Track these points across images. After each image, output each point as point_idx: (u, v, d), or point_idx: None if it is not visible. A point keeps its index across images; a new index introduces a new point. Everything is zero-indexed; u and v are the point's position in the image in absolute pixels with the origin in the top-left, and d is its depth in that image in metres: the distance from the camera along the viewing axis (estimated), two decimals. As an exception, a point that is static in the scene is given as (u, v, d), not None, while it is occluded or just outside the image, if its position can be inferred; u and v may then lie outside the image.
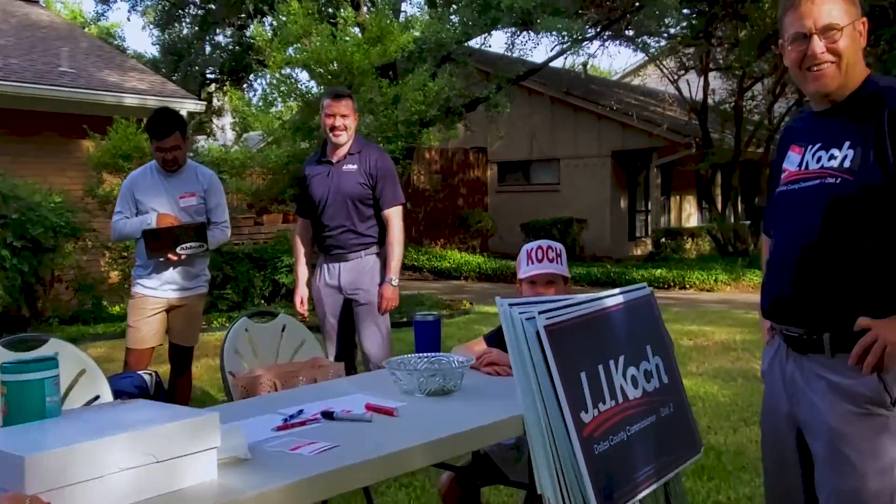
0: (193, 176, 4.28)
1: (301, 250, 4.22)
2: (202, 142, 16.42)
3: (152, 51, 17.98)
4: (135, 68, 11.84)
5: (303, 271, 4.21)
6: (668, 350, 2.39)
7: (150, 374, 3.87)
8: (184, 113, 11.16)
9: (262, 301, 10.00)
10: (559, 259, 2.70)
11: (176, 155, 4.15)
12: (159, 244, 4.01)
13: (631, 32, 14.73)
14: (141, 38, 74.93)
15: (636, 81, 24.84)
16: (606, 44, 16.53)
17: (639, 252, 18.82)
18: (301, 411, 2.08)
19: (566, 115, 18.65)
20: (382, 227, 4.07)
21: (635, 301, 2.36)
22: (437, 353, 2.49)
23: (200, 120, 14.24)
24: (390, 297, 3.98)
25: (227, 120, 20.50)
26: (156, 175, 4.25)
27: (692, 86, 16.44)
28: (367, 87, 9.66)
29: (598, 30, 14.87)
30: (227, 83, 14.36)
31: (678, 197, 20.57)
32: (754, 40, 13.55)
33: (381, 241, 4.08)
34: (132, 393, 3.78)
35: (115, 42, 18.63)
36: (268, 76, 11.07)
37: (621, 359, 2.18)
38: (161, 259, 4.08)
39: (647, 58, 18.81)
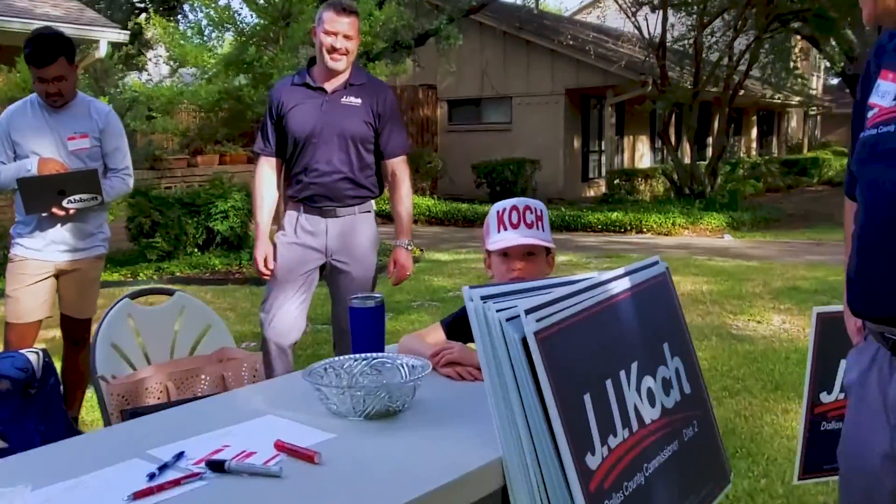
0: (86, 113, 3.51)
1: (266, 196, 3.33)
2: (131, 77, 15.28)
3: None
4: (48, -7, 10.68)
5: (266, 221, 3.35)
6: (688, 347, 1.80)
7: (37, 354, 3.13)
8: (104, 44, 10.16)
9: (196, 250, 9.22)
10: (540, 223, 2.05)
11: (61, 87, 3.37)
12: (40, 196, 3.26)
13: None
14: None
15: (593, 19, 24.07)
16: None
17: (592, 193, 18.36)
18: (181, 455, 1.43)
19: (519, 50, 17.87)
20: (379, 179, 3.35)
21: (648, 283, 1.75)
22: (380, 355, 1.85)
23: (127, 53, 13.16)
24: (405, 264, 3.31)
25: (162, 54, 19.20)
26: (38, 111, 3.47)
27: (650, 22, 15.78)
28: (306, 16, 8.80)
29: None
30: (154, 12, 13.17)
31: (631, 137, 20.09)
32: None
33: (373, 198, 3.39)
34: (15, 378, 3.10)
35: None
36: (202, 6, 10.09)
37: (634, 367, 1.57)
38: (44, 214, 3.34)
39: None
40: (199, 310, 2.46)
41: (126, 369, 2.20)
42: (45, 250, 3.44)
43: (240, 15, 10.34)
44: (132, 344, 2.27)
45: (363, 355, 1.84)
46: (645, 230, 12.68)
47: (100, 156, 3.53)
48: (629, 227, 12.79)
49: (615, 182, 16.96)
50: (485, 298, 1.46)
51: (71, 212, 3.33)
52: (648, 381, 1.60)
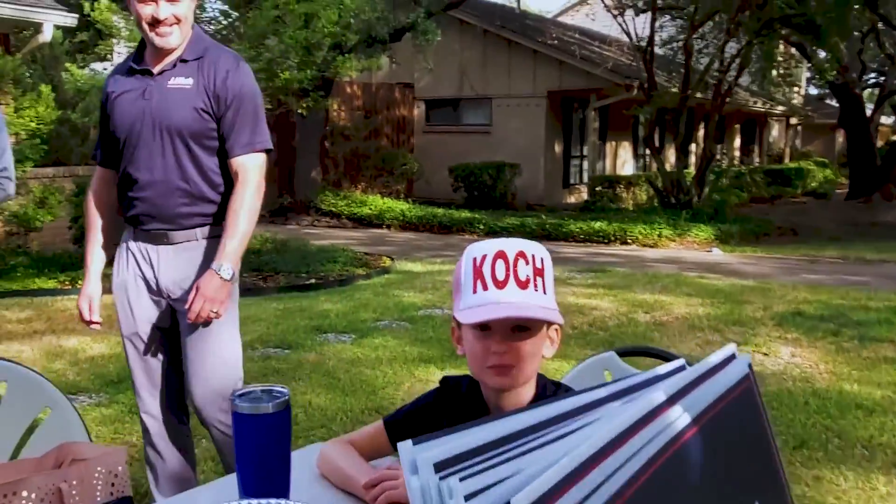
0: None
1: (95, 219, 2.50)
2: (91, 67, 14.39)
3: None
4: (-10, -30, 9.82)
5: (96, 255, 2.49)
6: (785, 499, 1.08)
7: None
8: (48, 27, 9.33)
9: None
10: (540, 280, 1.30)
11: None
12: None
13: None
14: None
15: (579, 20, 23.49)
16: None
17: (573, 200, 17.73)
18: None
19: (500, 50, 17.19)
20: (233, 187, 2.37)
21: (727, 399, 1.03)
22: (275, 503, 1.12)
23: (81, 40, 12.30)
24: (211, 297, 2.22)
25: (130, 44, 18.22)
26: None
27: (637, 25, 15.17)
28: (270, 2, 8.04)
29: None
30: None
31: (614, 143, 19.51)
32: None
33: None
34: None
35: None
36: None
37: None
38: None
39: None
40: (31, 385, 1.71)
41: None
42: None
43: (204, 3, 9.57)
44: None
45: (244, 503, 1.11)
46: (630, 241, 12.04)
47: (-29, 153, 2.78)
48: (613, 238, 12.14)
49: (597, 189, 16.35)
50: (442, 468, 0.73)
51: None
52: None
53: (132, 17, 2.30)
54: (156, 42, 2.31)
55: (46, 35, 9.27)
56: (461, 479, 0.72)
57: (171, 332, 2.42)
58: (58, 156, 9.35)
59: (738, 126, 25.16)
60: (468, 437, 0.79)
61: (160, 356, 2.43)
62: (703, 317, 6.49)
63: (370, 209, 14.21)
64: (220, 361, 2.37)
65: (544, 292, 1.30)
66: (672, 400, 0.93)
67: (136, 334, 2.42)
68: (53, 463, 1.55)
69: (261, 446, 1.18)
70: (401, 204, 14.69)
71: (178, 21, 2.30)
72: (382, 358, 5.16)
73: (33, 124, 7.91)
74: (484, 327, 1.31)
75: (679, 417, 0.91)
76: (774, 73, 16.87)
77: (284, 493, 1.21)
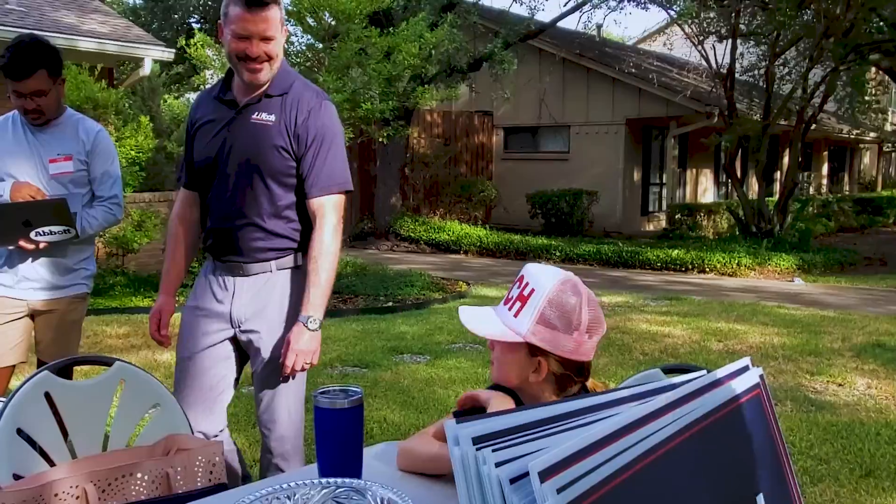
0: (73, 132, 3.08)
1: (175, 239, 2.57)
2: (185, 97, 15.19)
3: (134, -3, 16.64)
4: (98, 10, 10.56)
5: (171, 273, 2.57)
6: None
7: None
8: (148, 62, 9.95)
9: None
10: (518, 304, 1.54)
11: (40, 103, 2.95)
12: (2, 227, 2.83)
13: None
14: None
15: (658, 47, 23.41)
16: (624, 3, 15.19)
17: (651, 228, 17.62)
18: None
19: (578, 78, 17.31)
20: (309, 224, 2.41)
21: (735, 402, 1.18)
22: (350, 482, 1.32)
23: (178, 73, 13.01)
24: (303, 350, 2.28)
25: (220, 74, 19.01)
26: (20, 129, 3.06)
27: (718, 52, 15.07)
28: (353, 36, 8.41)
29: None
30: (199, 31, 12.98)
31: (694, 170, 19.31)
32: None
33: (306, 247, 2.42)
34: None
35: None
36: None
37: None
38: (10, 248, 2.91)
39: (667, 20, 17.38)
40: (143, 384, 1.96)
41: (40, 466, 1.71)
42: (16, 287, 3.01)
43: (292, 36, 10.04)
44: (50, 432, 1.78)
45: (324, 481, 1.31)
46: (708, 270, 11.92)
47: (86, 181, 3.09)
48: (691, 266, 12.05)
49: (676, 217, 16.23)
50: (479, 441, 0.92)
51: (42, 245, 2.90)
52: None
53: (224, 49, 2.33)
54: (245, 78, 2.32)
55: (146, 69, 9.90)
56: (493, 450, 0.90)
57: (228, 360, 2.48)
58: (154, 182, 9.93)
59: (825, 153, 24.54)
60: (503, 420, 0.97)
61: (213, 381, 2.46)
62: (778, 346, 6.45)
63: (448, 235, 14.46)
64: (285, 400, 2.45)
65: (515, 315, 1.53)
66: (681, 401, 1.09)
67: (195, 356, 2.45)
68: (162, 451, 1.79)
69: (338, 436, 1.38)
70: (478, 230, 14.89)
71: (270, 59, 2.30)
72: (455, 378, 5.34)
73: (133, 152, 8.46)
74: None
75: (686, 414, 1.07)
76: (864, 99, 16.45)
77: (357, 476, 1.40)
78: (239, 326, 2.43)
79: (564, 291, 1.52)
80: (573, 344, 1.52)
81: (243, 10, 2.22)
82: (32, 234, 2.84)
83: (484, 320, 1.56)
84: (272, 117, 2.36)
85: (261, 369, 2.42)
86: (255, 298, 2.42)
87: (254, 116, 2.37)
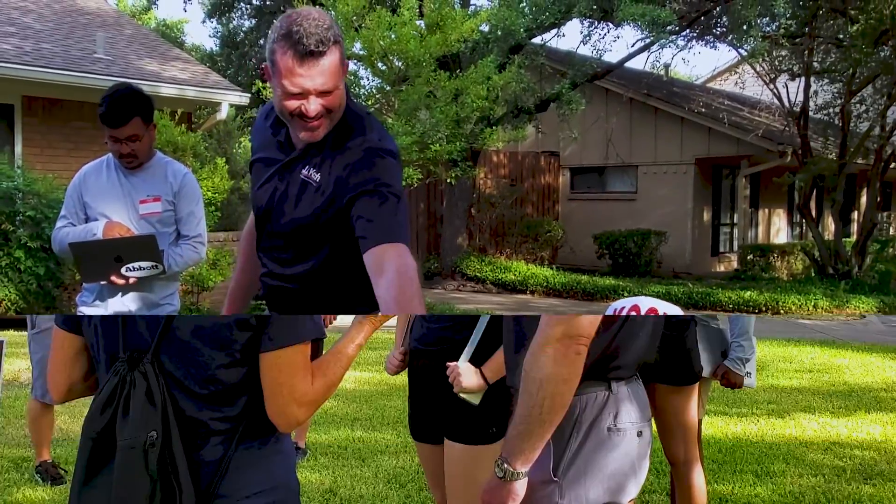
0: (162, 175, 3.22)
1: (242, 257, 2.43)
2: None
3: (211, 44, 17.27)
4: (179, 58, 11.02)
5: (237, 298, 2.44)
6: None
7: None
8: (225, 106, 10.30)
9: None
10: None
11: (134, 148, 3.09)
12: (95, 263, 2.95)
13: (723, 28, 13.28)
14: (205, 31, 75.44)
15: (729, 86, 23.16)
16: (692, 42, 15.10)
17: (722, 269, 17.26)
18: None
19: (646, 117, 17.21)
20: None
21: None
22: None
23: (252, 116, 13.41)
24: None
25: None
26: (113, 172, 3.21)
27: (789, 90, 14.84)
28: (422, 80, 8.58)
29: (685, 24, 13.46)
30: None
31: (767, 210, 18.90)
32: (868, 34, 11.93)
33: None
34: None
35: (175, 35, 18.06)
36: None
37: None
38: (102, 283, 3.03)
39: (737, 58, 17.22)
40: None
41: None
42: (106, 322, 3.12)
43: (361, 79, 10.29)
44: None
45: None
46: (782, 311, 11.61)
47: (172, 221, 3.21)
48: (764, 308, 11.75)
49: (748, 258, 15.87)
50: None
51: (131, 281, 3.01)
52: None
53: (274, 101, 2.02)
54: (301, 137, 1.97)
55: (223, 113, 10.24)
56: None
57: None
58: (227, 221, 10.22)
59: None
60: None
61: None
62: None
63: (514, 275, 14.40)
64: None
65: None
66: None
67: None
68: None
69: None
70: (545, 270, 14.81)
71: (331, 110, 1.94)
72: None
73: (210, 193, 8.73)
74: None
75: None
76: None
77: None
78: None
79: None
80: None
81: (295, 63, 1.83)
82: (123, 270, 2.95)
83: None
84: (318, 176, 2.03)
85: None
86: None
87: (303, 172, 2.04)
